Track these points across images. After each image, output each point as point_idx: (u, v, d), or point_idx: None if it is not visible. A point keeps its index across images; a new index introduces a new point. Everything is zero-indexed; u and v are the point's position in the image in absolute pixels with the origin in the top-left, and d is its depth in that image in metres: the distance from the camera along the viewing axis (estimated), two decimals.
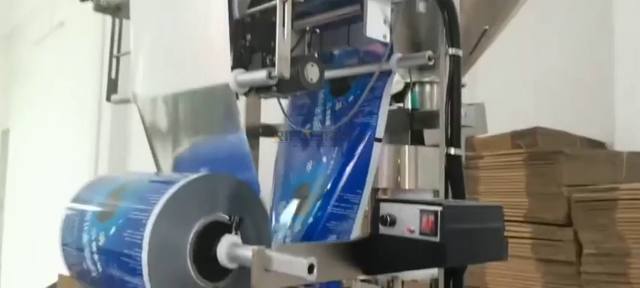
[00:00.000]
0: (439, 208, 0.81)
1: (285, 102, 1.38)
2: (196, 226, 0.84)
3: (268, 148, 1.42)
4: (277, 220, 1.26)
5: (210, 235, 0.84)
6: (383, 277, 1.13)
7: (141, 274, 0.79)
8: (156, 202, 0.83)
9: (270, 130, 1.41)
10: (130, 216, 0.89)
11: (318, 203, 1.17)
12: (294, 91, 1.11)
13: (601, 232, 1.75)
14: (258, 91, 1.24)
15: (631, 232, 1.69)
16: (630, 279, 1.65)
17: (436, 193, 1.14)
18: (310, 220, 1.16)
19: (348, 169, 1.15)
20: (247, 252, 0.77)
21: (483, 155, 2.20)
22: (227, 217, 0.86)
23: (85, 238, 0.98)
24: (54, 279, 3.24)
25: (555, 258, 1.79)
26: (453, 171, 1.02)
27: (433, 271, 1.08)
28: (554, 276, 1.79)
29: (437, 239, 0.80)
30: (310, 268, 0.67)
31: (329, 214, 1.13)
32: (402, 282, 1.14)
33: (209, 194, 0.88)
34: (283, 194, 1.31)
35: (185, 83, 1.07)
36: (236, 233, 0.84)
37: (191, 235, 0.83)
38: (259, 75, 0.91)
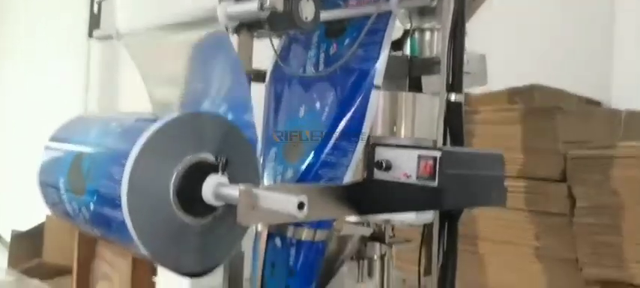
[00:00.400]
0: (438, 154, 0.78)
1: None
2: (181, 163, 0.80)
3: (259, 92, 1.38)
4: (266, 166, 1.23)
5: (196, 173, 0.80)
6: (374, 222, 1.11)
7: (121, 208, 0.76)
8: (139, 138, 0.79)
9: (261, 77, 1.36)
10: (112, 153, 0.84)
11: (311, 150, 1.13)
12: (287, 28, 1.05)
13: (595, 188, 1.74)
14: (249, 28, 1.17)
15: (626, 188, 1.68)
16: (622, 231, 1.65)
17: (433, 144, 1.11)
18: (302, 166, 1.12)
19: (344, 116, 1.10)
20: (234, 191, 0.73)
21: (480, 110, 2.16)
22: (214, 157, 0.83)
23: (66, 177, 0.94)
24: (42, 219, 3.24)
25: (548, 210, 1.79)
26: (453, 118, 0.97)
27: (427, 217, 1.05)
28: (546, 226, 1.79)
29: (435, 184, 0.77)
30: (300, 206, 0.64)
31: (322, 162, 1.09)
32: (392, 227, 1.12)
33: (196, 133, 0.84)
34: (274, 141, 1.26)
35: (171, 16, 1.01)
36: (223, 174, 0.81)
37: (175, 171, 0.79)
38: (250, 6, 0.84)
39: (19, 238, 3.48)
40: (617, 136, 2.04)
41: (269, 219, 0.71)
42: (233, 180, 0.80)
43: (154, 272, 1.71)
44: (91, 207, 0.84)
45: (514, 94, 2.26)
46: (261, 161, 1.23)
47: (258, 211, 0.69)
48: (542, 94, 2.21)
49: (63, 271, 2.78)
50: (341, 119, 1.10)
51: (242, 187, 0.71)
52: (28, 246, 3.35)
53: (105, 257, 2.25)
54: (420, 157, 0.79)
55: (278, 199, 0.67)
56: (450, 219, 0.91)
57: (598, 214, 1.71)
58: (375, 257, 1.13)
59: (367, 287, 1.13)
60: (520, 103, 2.16)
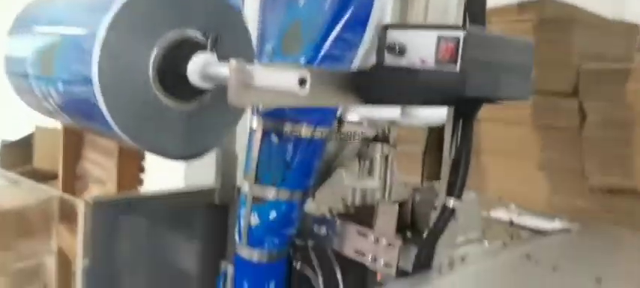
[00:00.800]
0: (461, 34, 0.67)
1: None
2: (163, 39, 0.69)
3: None
4: (262, 61, 1.11)
5: (181, 51, 0.70)
6: (378, 123, 1.03)
7: (93, 86, 0.65)
8: (113, 4, 0.67)
9: None
10: (83, 25, 0.73)
11: (312, 43, 1.01)
12: None
13: (607, 102, 1.66)
14: None
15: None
16: (633, 144, 1.59)
17: None
18: (302, 59, 1.01)
19: (350, 3, 0.98)
20: (224, 69, 0.63)
21: (490, 21, 2.01)
22: (201, 33, 0.71)
23: (33, 59, 0.83)
24: (31, 130, 3.16)
25: (556, 124, 1.71)
26: (473, 2, 0.86)
27: (436, 116, 0.96)
28: (553, 139, 1.72)
29: (456, 69, 0.66)
30: (302, 82, 0.54)
31: (324, 55, 0.98)
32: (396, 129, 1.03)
33: (181, 5, 0.72)
34: (271, 35, 1.14)
35: None
36: (212, 52, 0.70)
37: (156, 47, 0.68)
38: None
39: (9, 147, 3.42)
40: (632, 51, 1.92)
41: (265, 99, 0.61)
42: (223, 59, 0.70)
43: (141, 170, 1.65)
44: (61, 87, 0.74)
45: (524, 8, 2.11)
46: (257, 55, 1.12)
47: (252, 90, 0.59)
48: (554, 7, 2.07)
49: (53, 177, 2.75)
50: (346, 7, 0.97)
51: (234, 62, 0.60)
52: (18, 154, 3.30)
53: (90, 158, 2.19)
54: (439, 39, 0.68)
55: (276, 76, 0.57)
56: (465, 116, 0.82)
57: (609, 128, 1.64)
58: (378, 157, 1.05)
59: (368, 184, 1.06)
60: (531, 15, 2.01)
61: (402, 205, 0.92)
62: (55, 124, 2.35)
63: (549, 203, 1.70)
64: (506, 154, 1.81)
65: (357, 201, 1.08)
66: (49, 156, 2.93)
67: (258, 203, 0.93)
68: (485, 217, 1.18)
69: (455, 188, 0.80)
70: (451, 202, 0.80)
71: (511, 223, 1.16)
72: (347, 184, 1.09)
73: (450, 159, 0.80)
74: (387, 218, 0.88)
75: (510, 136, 1.79)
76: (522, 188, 1.76)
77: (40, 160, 3.13)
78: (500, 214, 1.20)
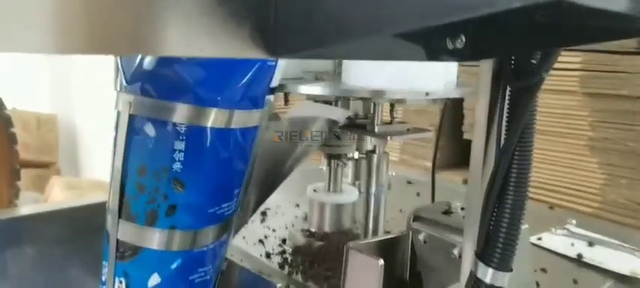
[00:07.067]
0: None
1: None
2: None
3: None
4: None
5: None
6: (355, 97, 0.61)
7: None
8: None
9: None
10: None
11: None
12: None
13: None
14: None
15: None
16: None
17: None
18: None
19: None
20: None
21: None
22: None
23: None
24: None
25: (612, 92, 1.26)
26: None
27: (449, 86, 0.56)
28: (606, 113, 1.28)
29: None
30: None
31: None
32: (392, 106, 0.62)
33: None
34: None
35: None
36: None
37: None
38: None
39: None
40: None
41: None
42: None
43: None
44: None
45: None
46: None
47: None
48: None
49: None
50: None
51: None
52: None
53: None
54: None
55: None
56: (520, 74, 0.36)
57: None
58: (355, 156, 0.65)
59: (341, 199, 0.66)
60: None
61: (394, 245, 0.51)
62: None
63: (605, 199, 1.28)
64: (546, 132, 1.38)
65: (327, 227, 0.68)
66: None
67: (127, 258, 0.51)
68: (535, 245, 0.76)
69: (496, 246, 0.36)
70: (488, 276, 0.39)
71: (579, 258, 0.73)
72: (309, 197, 0.69)
73: (484, 186, 0.37)
74: (365, 283, 0.47)
75: (556, 107, 1.36)
76: (571, 176, 1.34)
77: None
78: (560, 242, 0.76)
